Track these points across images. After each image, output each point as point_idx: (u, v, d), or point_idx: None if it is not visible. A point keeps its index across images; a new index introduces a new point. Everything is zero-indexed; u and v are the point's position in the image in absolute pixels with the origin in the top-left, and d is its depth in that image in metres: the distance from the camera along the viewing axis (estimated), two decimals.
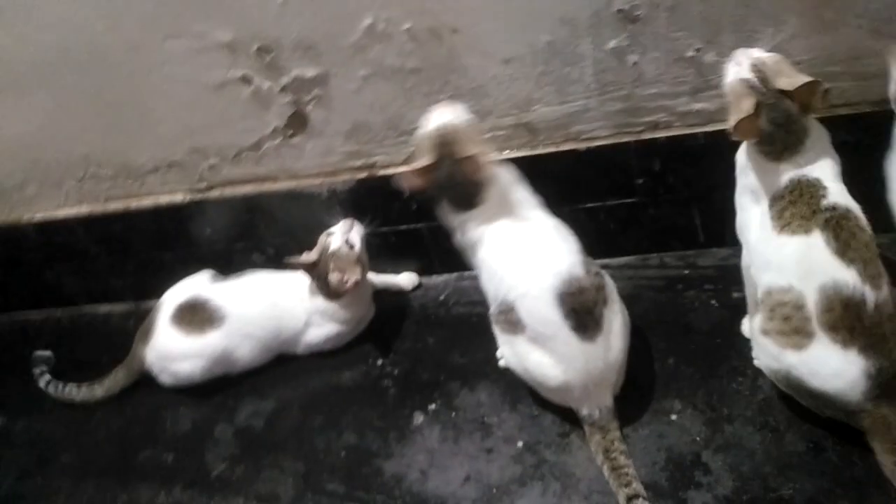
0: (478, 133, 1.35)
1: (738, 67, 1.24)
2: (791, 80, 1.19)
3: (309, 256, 1.57)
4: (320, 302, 1.61)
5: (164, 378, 1.67)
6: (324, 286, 1.58)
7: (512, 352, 1.40)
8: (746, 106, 1.19)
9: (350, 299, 1.61)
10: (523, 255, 1.35)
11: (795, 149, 1.23)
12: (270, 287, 1.68)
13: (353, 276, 1.54)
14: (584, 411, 1.37)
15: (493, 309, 1.41)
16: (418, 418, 1.53)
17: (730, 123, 1.21)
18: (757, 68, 1.21)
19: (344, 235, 1.56)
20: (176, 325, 1.63)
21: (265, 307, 1.65)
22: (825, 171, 1.24)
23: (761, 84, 1.20)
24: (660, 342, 1.51)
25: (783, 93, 1.19)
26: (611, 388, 1.38)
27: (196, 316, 1.62)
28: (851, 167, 1.46)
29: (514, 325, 1.35)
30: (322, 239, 1.58)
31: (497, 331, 1.42)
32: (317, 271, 1.58)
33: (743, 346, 1.45)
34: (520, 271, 1.34)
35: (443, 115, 1.34)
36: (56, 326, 2.03)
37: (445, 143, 1.31)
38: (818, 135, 1.25)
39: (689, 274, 1.62)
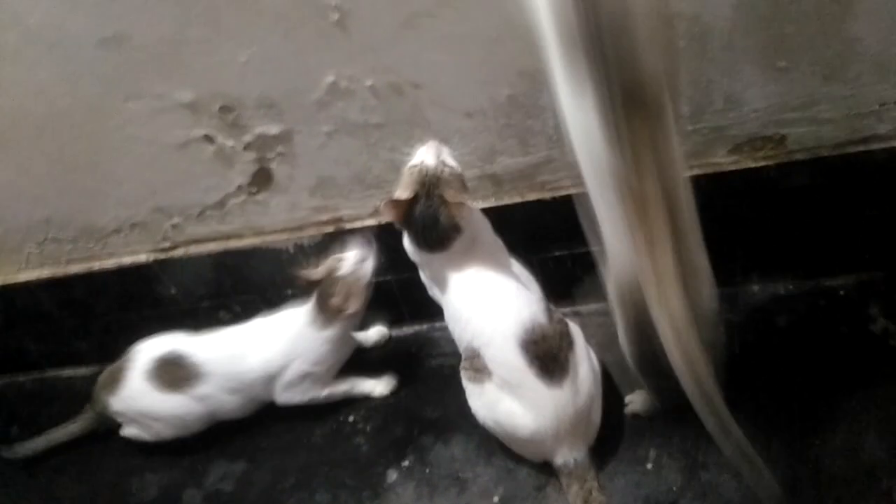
0: (459, 178, 1.36)
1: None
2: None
3: (315, 273, 1.54)
4: (308, 333, 1.57)
5: (131, 431, 1.63)
6: (321, 306, 1.54)
7: (481, 403, 1.39)
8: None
9: (338, 330, 1.57)
10: (487, 302, 1.36)
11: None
12: (246, 335, 1.63)
13: (353, 306, 1.52)
14: (559, 461, 1.36)
15: (462, 356, 1.41)
16: (392, 475, 1.50)
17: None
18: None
19: (356, 265, 1.53)
20: (150, 379, 1.58)
21: (240, 357, 1.60)
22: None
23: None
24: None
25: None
26: (583, 434, 1.37)
27: (172, 373, 1.58)
28: (808, 210, 1.50)
29: (481, 371, 1.35)
30: (331, 262, 1.54)
31: (465, 381, 1.41)
32: (318, 289, 1.54)
33: None
34: (483, 319, 1.35)
35: (429, 155, 1.35)
36: (19, 391, 1.97)
37: (427, 181, 1.32)
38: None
39: None
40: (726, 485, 1.32)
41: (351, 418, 1.63)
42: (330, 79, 1.43)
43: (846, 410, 1.38)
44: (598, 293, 1.65)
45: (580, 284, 1.63)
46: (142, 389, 1.59)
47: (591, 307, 1.67)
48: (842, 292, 1.57)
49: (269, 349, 1.58)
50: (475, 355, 1.36)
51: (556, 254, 1.61)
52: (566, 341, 1.34)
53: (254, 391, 1.61)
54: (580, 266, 1.63)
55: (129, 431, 1.64)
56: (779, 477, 1.30)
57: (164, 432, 1.62)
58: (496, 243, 1.44)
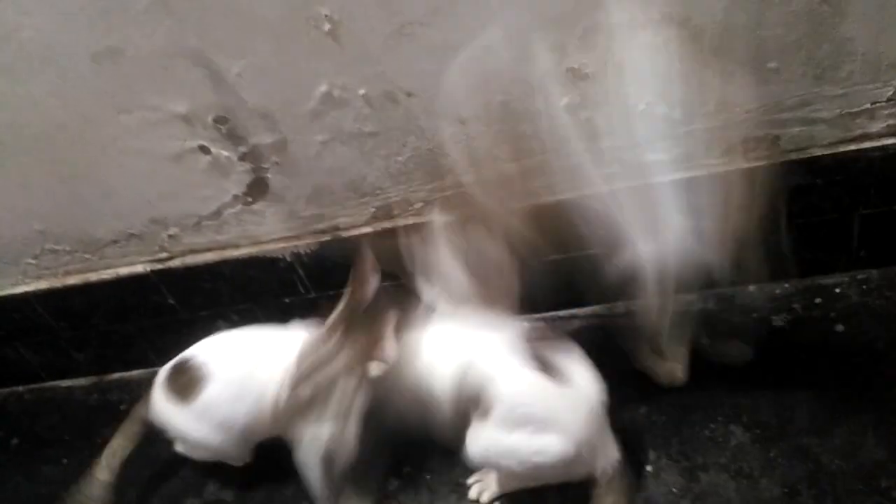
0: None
1: None
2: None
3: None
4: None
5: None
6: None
7: (492, 442, 1.27)
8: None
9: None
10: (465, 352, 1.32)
11: None
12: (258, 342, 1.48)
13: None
14: (598, 468, 1.27)
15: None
16: (393, 482, 1.51)
17: None
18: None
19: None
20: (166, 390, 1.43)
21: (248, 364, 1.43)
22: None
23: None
24: (631, 391, 1.51)
25: None
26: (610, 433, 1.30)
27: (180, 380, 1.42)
28: (802, 209, 1.50)
29: (484, 411, 1.26)
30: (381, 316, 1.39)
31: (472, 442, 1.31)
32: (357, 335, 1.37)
33: (713, 391, 1.47)
34: (477, 366, 1.29)
35: None
36: (18, 403, 1.98)
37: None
38: None
39: None
40: (725, 485, 1.33)
41: None
42: (323, 89, 1.43)
43: (845, 410, 1.38)
44: (593, 296, 1.68)
45: (575, 288, 1.63)
46: (161, 402, 1.44)
47: (588, 310, 1.68)
48: (837, 290, 1.57)
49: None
50: (479, 400, 1.26)
51: (553, 257, 1.61)
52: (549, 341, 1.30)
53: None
54: (577, 270, 1.63)
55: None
56: (778, 476, 1.31)
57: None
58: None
